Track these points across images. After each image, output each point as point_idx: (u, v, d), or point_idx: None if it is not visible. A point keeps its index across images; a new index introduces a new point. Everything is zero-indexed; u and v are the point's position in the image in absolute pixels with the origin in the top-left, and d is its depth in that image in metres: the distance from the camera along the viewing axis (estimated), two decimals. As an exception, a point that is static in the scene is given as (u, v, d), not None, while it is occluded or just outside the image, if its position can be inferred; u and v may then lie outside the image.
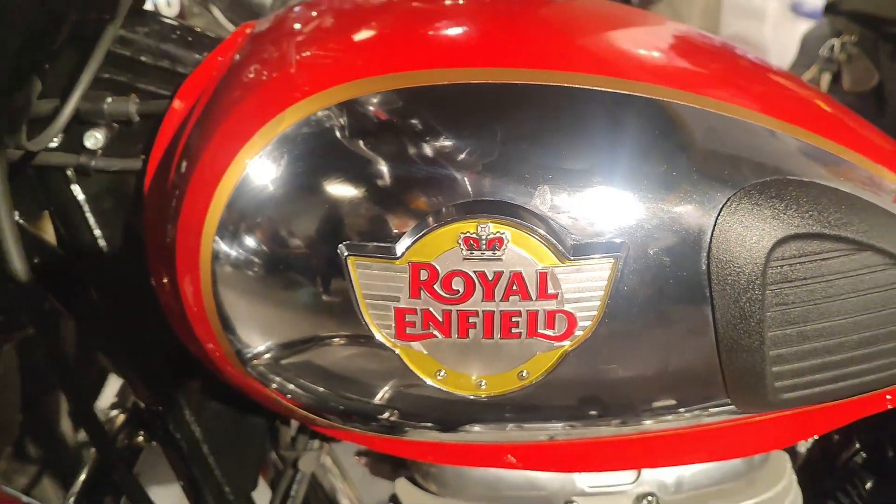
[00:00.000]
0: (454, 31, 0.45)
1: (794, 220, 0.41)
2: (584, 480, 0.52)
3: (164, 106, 0.51)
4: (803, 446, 0.60)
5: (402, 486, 0.56)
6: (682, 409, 0.46)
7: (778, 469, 0.58)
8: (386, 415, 0.43)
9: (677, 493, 0.55)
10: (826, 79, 1.27)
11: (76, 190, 0.52)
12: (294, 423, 0.59)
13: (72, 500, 0.55)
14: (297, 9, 0.52)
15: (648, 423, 0.47)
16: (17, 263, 0.46)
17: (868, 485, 0.58)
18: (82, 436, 0.89)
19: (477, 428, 0.44)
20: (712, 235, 0.40)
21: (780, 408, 0.48)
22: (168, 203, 0.46)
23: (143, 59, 0.50)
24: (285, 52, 0.46)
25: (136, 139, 0.52)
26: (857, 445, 0.59)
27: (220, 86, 0.47)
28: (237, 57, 0.49)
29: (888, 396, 0.56)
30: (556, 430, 0.46)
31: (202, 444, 0.58)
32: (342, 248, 0.38)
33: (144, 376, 0.55)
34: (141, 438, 0.57)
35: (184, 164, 0.46)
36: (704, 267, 0.40)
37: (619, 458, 0.50)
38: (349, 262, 0.38)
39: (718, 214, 0.40)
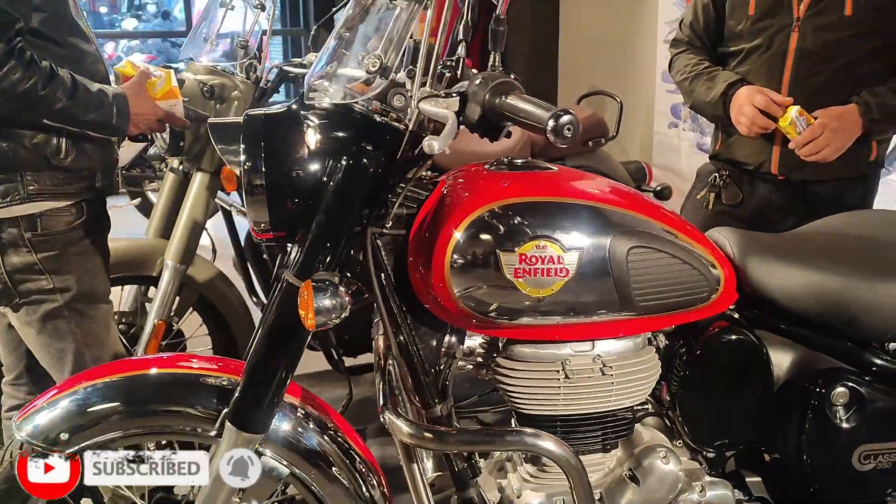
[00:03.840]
0: (521, 184, 1.31)
1: (633, 241, 1.26)
2: (570, 348, 1.33)
3: (415, 210, 1.35)
4: (662, 343, 1.42)
5: (500, 360, 1.37)
6: (607, 310, 1.29)
7: (649, 351, 1.40)
8: (509, 309, 1.25)
9: (608, 356, 1.34)
10: (712, 196, 2.17)
11: (378, 242, 1.35)
12: (449, 339, 1.40)
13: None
14: (462, 172, 1.38)
15: (594, 318, 1.30)
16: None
17: (684, 358, 1.41)
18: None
19: (541, 315, 1.26)
20: (609, 247, 1.25)
21: (643, 311, 1.30)
22: (422, 245, 1.29)
23: (407, 193, 1.35)
24: (464, 192, 1.31)
25: (402, 222, 1.35)
26: (682, 341, 1.42)
27: (441, 202, 1.31)
28: (444, 191, 1.34)
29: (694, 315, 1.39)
30: (561, 318, 1.28)
31: (416, 346, 1.38)
32: (497, 251, 1.22)
33: (399, 321, 1.36)
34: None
35: (426, 234, 1.29)
36: (607, 255, 1.25)
37: (585, 333, 1.32)
38: (500, 254, 1.22)
39: (610, 240, 1.25)
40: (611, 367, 1.32)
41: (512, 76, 1.11)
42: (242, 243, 2.58)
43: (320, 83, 1.28)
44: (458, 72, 1.26)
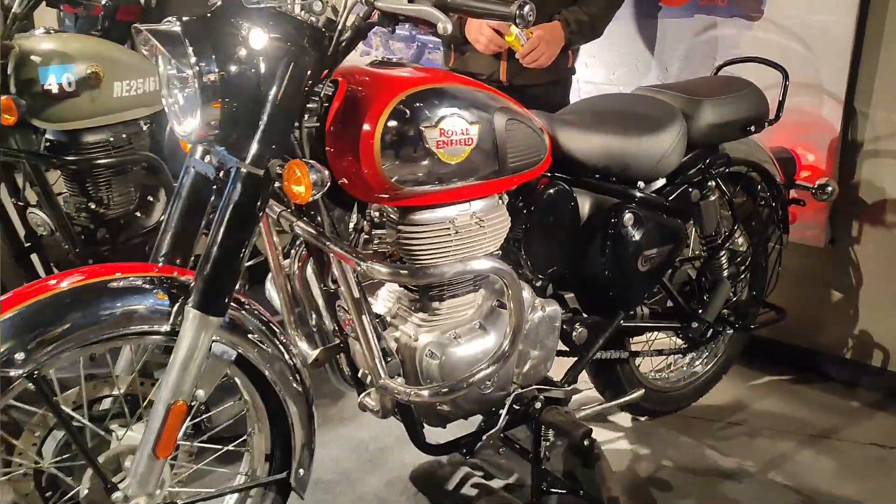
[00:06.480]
0: (419, 74, 1.58)
1: (508, 115, 1.62)
2: (455, 209, 1.61)
3: (327, 105, 1.53)
4: (505, 200, 1.82)
5: (402, 228, 1.64)
6: (488, 174, 1.63)
7: (503, 206, 1.78)
8: (425, 178, 1.53)
9: (481, 213, 1.68)
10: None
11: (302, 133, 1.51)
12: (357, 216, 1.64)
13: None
14: (355, 72, 1.59)
15: (470, 181, 1.61)
16: None
17: (524, 210, 1.83)
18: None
19: (446, 181, 1.56)
20: (494, 120, 1.59)
21: (507, 173, 1.67)
22: (343, 133, 1.50)
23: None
24: (371, 86, 1.54)
25: (315, 114, 1.53)
26: (520, 196, 1.84)
27: (352, 97, 1.52)
28: (349, 87, 1.54)
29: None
30: (458, 182, 1.60)
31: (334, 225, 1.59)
32: (421, 127, 1.49)
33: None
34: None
35: (344, 125, 1.50)
36: (493, 127, 1.58)
37: (464, 195, 1.62)
38: (424, 130, 1.49)
39: (494, 115, 1.59)
40: (483, 220, 1.69)
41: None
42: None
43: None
44: None
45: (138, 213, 2.50)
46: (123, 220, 2.46)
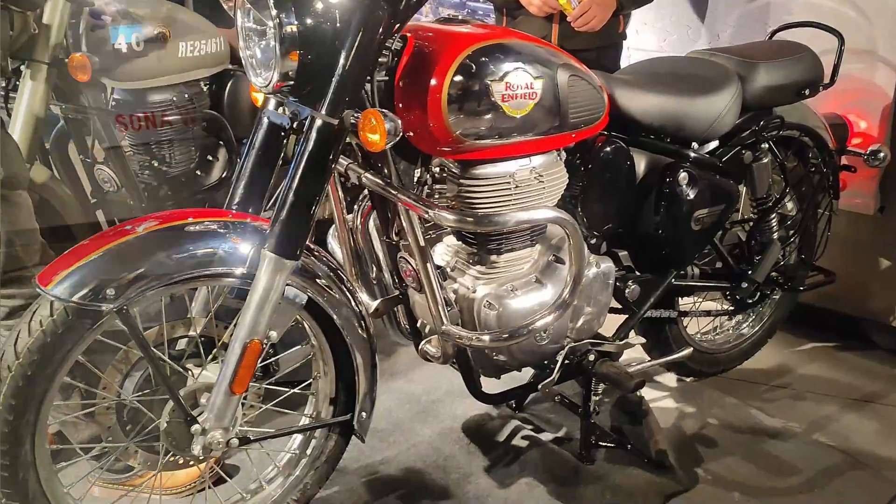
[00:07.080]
0: (483, 31, 1.63)
1: (570, 71, 1.66)
2: (515, 164, 1.66)
3: (396, 60, 1.58)
4: (563, 157, 1.86)
5: (463, 181, 1.70)
6: (548, 129, 1.69)
7: (560, 162, 1.82)
8: (489, 131, 1.59)
9: (540, 168, 1.74)
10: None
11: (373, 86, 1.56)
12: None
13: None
14: (422, 28, 1.64)
15: (529, 136, 1.65)
16: None
17: (581, 167, 1.88)
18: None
19: (508, 135, 1.60)
20: (557, 75, 1.64)
21: (566, 129, 1.72)
22: (411, 87, 1.55)
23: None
24: (438, 42, 1.59)
25: (385, 68, 1.58)
26: (578, 154, 1.88)
27: (420, 52, 1.57)
28: (417, 43, 1.59)
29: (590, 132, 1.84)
30: (519, 136, 1.64)
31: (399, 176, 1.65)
32: (488, 81, 1.53)
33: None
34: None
35: (412, 79, 1.55)
36: (556, 82, 1.64)
37: (524, 149, 1.66)
38: (490, 84, 1.53)
39: (557, 70, 1.64)
40: (542, 175, 1.73)
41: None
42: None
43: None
44: None
45: (198, 172, 2.58)
46: (184, 177, 2.55)
